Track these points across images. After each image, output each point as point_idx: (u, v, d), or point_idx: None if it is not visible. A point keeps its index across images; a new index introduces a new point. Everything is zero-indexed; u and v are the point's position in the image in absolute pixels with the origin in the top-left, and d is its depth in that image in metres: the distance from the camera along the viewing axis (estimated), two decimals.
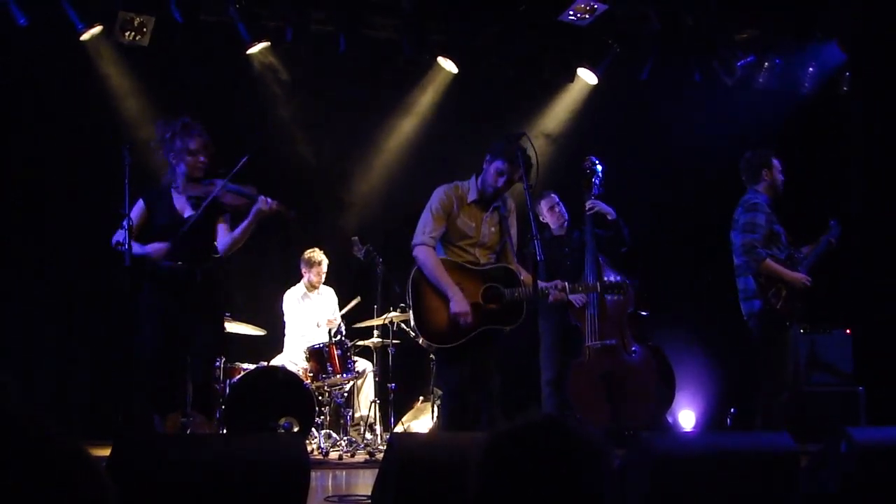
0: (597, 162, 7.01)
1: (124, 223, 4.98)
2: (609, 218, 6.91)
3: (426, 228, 5.15)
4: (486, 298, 5.08)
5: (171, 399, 5.26)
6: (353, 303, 7.70)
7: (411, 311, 5.13)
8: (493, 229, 5.22)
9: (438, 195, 5.21)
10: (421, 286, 5.13)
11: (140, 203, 5.34)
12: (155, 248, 5.19)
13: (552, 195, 7.42)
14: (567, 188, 7.52)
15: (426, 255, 5.12)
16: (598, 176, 6.97)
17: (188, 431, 5.34)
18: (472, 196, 5.20)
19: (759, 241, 5.96)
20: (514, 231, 5.28)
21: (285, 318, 7.99)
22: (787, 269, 6.00)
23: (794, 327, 6.12)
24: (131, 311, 5.40)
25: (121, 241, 4.99)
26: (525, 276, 5.10)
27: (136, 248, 5.07)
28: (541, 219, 7.36)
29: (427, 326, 5.07)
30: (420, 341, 5.14)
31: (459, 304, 5.00)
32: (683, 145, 8.68)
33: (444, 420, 5.13)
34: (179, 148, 5.29)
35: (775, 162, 6.22)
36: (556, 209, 7.36)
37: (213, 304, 5.46)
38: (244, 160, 5.23)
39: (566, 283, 5.16)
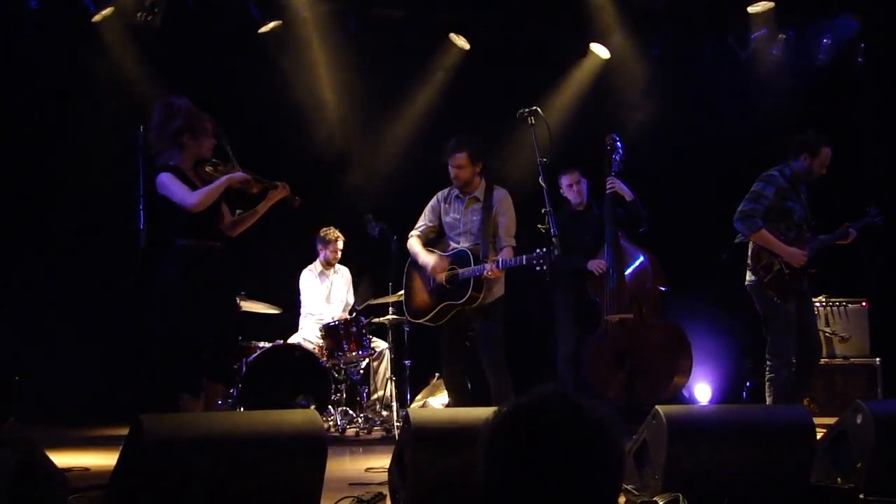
0: (618, 140, 7.00)
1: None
2: (627, 199, 6.91)
3: (416, 224, 6.15)
4: (447, 280, 5.89)
5: (215, 371, 5.15)
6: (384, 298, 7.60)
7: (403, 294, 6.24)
8: (474, 218, 5.93)
9: (432, 199, 6.14)
10: (408, 271, 6.20)
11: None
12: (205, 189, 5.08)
13: (575, 172, 7.32)
14: (582, 164, 7.47)
15: (410, 243, 6.12)
16: (619, 153, 6.96)
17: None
18: (454, 193, 6.05)
19: (759, 212, 5.88)
20: (503, 219, 5.91)
21: (301, 297, 8.01)
22: (785, 244, 5.91)
23: (794, 302, 5.97)
24: (144, 292, 5.36)
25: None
26: (491, 256, 5.77)
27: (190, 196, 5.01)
28: (561, 192, 7.34)
29: (408, 305, 6.19)
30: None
31: (431, 263, 5.92)
32: (699, 120, 8.61)
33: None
34: (198, 129, 5.18)
35: (825, 151, 6.03)
36: (575, 187, 7.28)
37: (231, 281, 5.46)
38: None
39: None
